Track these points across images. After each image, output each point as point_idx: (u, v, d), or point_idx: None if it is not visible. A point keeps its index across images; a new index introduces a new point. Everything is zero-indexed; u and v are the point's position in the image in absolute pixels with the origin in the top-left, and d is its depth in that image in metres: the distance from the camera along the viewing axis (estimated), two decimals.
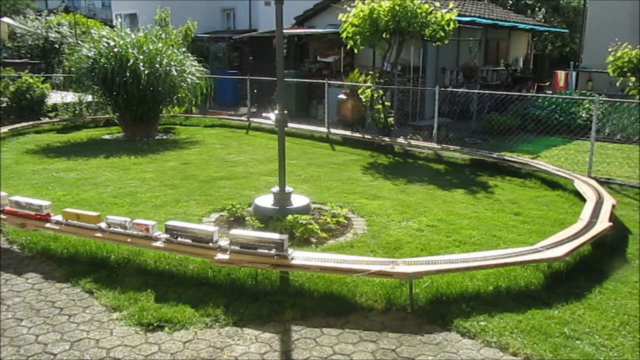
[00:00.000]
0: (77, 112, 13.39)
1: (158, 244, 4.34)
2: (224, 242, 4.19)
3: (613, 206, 5.59)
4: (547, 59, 22.02)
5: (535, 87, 17.81)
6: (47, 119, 12.70)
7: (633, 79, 11.60)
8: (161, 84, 10.92)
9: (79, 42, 14.82)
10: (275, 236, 4.09)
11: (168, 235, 4.34)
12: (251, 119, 13.06)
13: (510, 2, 28.97)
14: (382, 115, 10.57)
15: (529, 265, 4.30)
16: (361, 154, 9.81)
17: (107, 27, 14.84)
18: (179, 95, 11.83)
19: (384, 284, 4.02)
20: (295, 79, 13.20)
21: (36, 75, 13.34)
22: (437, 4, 9.86)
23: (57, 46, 19.61)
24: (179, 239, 4.30)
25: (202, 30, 20.05)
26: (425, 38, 10.03)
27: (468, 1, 17.50)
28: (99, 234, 4.57)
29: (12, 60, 17.07)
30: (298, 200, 5.77)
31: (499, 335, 3.42)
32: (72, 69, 11.46)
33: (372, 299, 3.91)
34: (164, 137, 11.68)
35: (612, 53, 11.67)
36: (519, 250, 4.35)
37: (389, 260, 4.04)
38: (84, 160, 8.84)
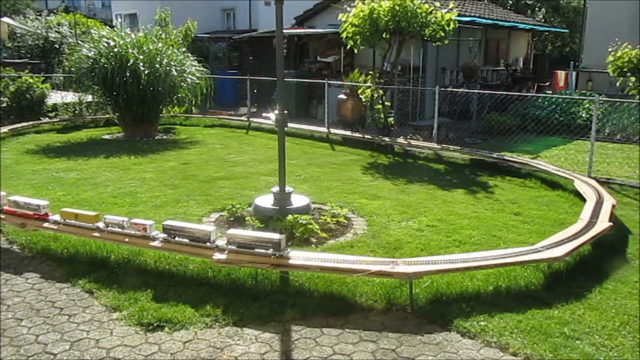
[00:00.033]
0: (77, 112, 13.40)
1: (155, 243, 4.35)
2: (221, 242, 4.20)
3: (613, 206, 5.59)
4: (547, 59, 22.03)
5: (535, 87, 17.81)
6: (47, 119, 12.70)
7: (633, 79, 11.60)
8: (161, 84, 10.92)
9: (79, 42, 14.83)
10: (272, 236, 4.09)
11: (165, 235, 4.35)
12: (251, 119, 13.06)
13: (510, 2, 28.97)
14: (382, 115, 10.57)
15: (529, 265, 4.30)
16: (361, 154, 9.81)
17: (107, 27, 14.83)
18: (179, 95, 11.84)
19: (384, 284, 4.02)
20: (295, 79, 13.20)
21: (36, 75, 13.34)
22: (437, 4, 9.86)
23: (57, 46, 19.61)
24: (177, 238, 4.30)
25: (202, 30, 20.05)
26: (425, 38, 10.03)
27: (468, 1, 17.49)
28: (96, 234, 4.57)
29: (12, 60, 17.07)
30: (298, 200, 5.77)
31: (499, 335, 3.42)
32: (72, 69, 11.46)
33: (372, 299, 3.91)
34: (164, 137, 11.68)
35: (612, 53, 11.67)
36: (519, 250, 4.35)
37: (389, 260, 4.04)
38: (84, 160, 8.84)
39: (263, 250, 4.02)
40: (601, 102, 8.39)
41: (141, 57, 10.81)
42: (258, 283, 4.11)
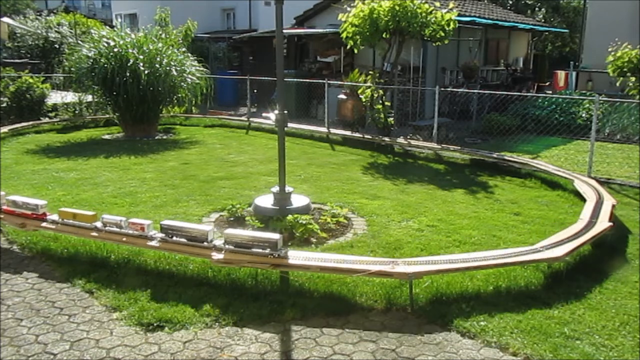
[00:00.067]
0: (77, 112, 13.40)
1: (153, 243, 4.35)
2: (219, 242, 4.20)
3: (613, 206, 5.59)
4: (547, 59, 22.03)
5: (535, 87, 17.81)
6: (47, 119, 12.70)
7: (633, 79, 11.60)
8: (161, 84, 10.92)
9: (79, 42, 14.83)
10: (269, 235, 4.09)
11: (163, 235, 4.35)
12: (251, 119, 13.06)
13: (510, 2, 28.97)
14: (382, 115, 10.57)
15: (529, 265, 4.30)
16: (361, 154, 9.81)
17: (107, 27, 14.84)
18: (179, 95, 11.84)
19: (384, 284, 4.02)
20: (295, 79, 13.20)
21: (36, 75, 13.34)
22: (437, 4, 9.86)
23: (57, 46, 19.61)
24: (174, 238, 4.31)
25: (202, 30, 20.05)
26: (425, 38, 10.03)
27: (468, 1, 17.50)
28: (94, 233, 4.58)
29: (12, 60, 17.07)
30: (298, 200, 5.77)
31: (499, 335, 3.42)
32: (72, 69, 11.46)
33: (372, 299, 3.91)
34: (164, 137, 11.68)
35: (612, 53, 11.67)
36: (519, 250, 4.35)
37: (389, 260, 4.04)
38: (84, 160, 8.84)
39: (260, 250, 4.02)
40: (601, 102, 8.39)
41: (141, 57, 10.81)
42: (258, 283, 4.11)
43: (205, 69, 12.79)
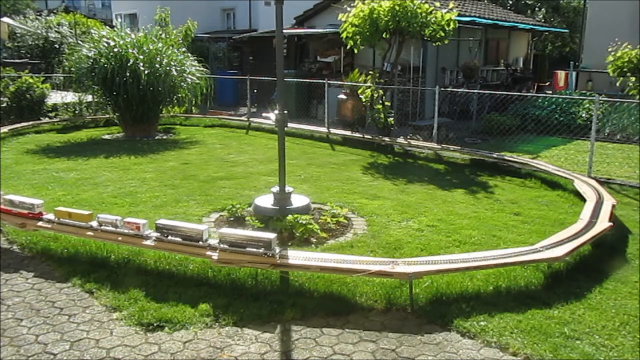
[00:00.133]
0: (77, 112, 13.40)
1: (149, 242, 4.36)
2: (213, 241, 4.20)
3: (613, 206, 5.59)
4: (547, 59, 22.03)
5: (535, 87, 17.81)
6: (47, 119, 12.70)
7: (633, 79, 11.60)
8: (161, 84, 10.92)
9: (79, 42, 14.83)
10: (264, 235, 4.09)
11: (159, 234, 4.35)
12: (251, 119, 13.06)
13: (510, 2, 28.98)
14: (382, 115, 10.57)
15: (529, 265, 4.30)
16: (361, 154, 9.81)
17: (107, 27, 14.84)
18: (179, 95, 11.84)
19: (384, 284, 4.02)
20: (295, 79, 13.20)
21: (36, 75, 13.34)
22: (437, 4, 9.86)
23: (57, 46, 19.61)
24: (169, 237, 4.31)
25: (202, 30, 20.05)
26: (425, 38, 10.03)
27: (468, 1, 17.50)
28: (90, 233, 4.58)
29: (12, 60, 17.07)
30: (298, 200, 5.77)
31: (499, 335, 3.42)
32: (72, 69, 11.46)
33: (372, 299, 3.91)
34: (164, 137, 11.68)
35: (612, 53, 11.67)
36: (519, 250, 4.35)
37: (389, 260, 4.04)
38: (84, 160, 8.84)
39: (255, 250, 4.02)
40: (601, 102, 8.39)
41: (141, 57, 10.82)
42: (258, 283, 4.11)
43: (205, 69, 12.79)
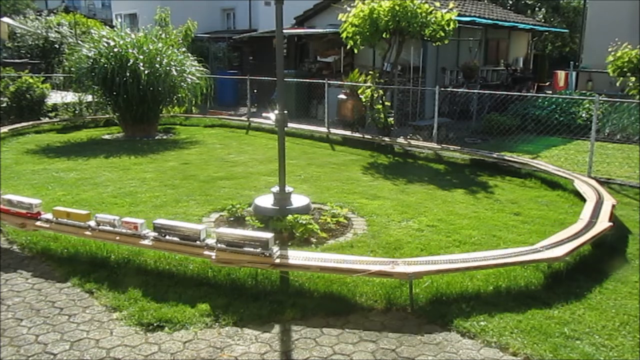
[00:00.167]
0: (77, 112, 13.40)
1: (146, 242, 4.36)
2: (211, 241, 4.21)
3: (613, 206, 5.59)
4: (547, 59, 22.03)
5: (535, 87, 17.82)
6: (47, 119, 12.70)
7: (633, 79, 11.60)
8: (161, 84, 10.92)
9: (79, 42, 14.83)
10: (261, 234, 4.09)
11: (156, 234, 4.35)
12: (251, 119, 13.06)
13: (510, 2, 28.98)
14: (382, 115, 10.57)
15: (529, 265, 4.30)
16: (361, 154, 9.81)
17: (107, 27, 14.84)
18: (179, 95, 11.84)
19: (384, 284, 4.02)
20: (295, 79, 13.20)
21: (36, 75, 13.34)
22: (437, 4, 9.86)
23: (57, 46, 19.61)
24: (167, 237, 4.31)
25: (202, 30, 20.05)
26: (425, 38, 10.03)
27: (468, 1, 17.50)
28: (88, 232, 4.58)
29: (12, 60, 17.07)
30: (298, 200, 5.77)
31: (499, 335, 3.42)
32: (72, 69, 11.46)
33: (372, 299, 3.91)
34: (164, 137, 11.68)
35: (612, 53, 11.67)
36: (519, 250, 4.35)
37: (389, 260, 4.04)
38: (84, 160, 8.84)
39: (252, 249, 4.02)
40: (601, 102, 8.39)
41: (141, 57, 10.82)
42: (258, 283, 4.11)
43: (205, 69, 12.79)
